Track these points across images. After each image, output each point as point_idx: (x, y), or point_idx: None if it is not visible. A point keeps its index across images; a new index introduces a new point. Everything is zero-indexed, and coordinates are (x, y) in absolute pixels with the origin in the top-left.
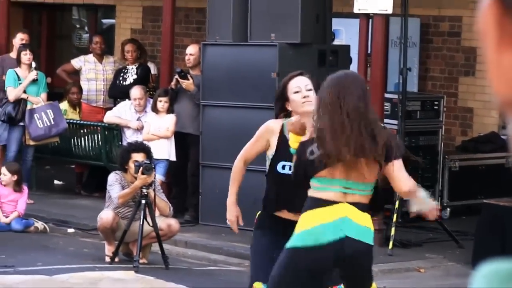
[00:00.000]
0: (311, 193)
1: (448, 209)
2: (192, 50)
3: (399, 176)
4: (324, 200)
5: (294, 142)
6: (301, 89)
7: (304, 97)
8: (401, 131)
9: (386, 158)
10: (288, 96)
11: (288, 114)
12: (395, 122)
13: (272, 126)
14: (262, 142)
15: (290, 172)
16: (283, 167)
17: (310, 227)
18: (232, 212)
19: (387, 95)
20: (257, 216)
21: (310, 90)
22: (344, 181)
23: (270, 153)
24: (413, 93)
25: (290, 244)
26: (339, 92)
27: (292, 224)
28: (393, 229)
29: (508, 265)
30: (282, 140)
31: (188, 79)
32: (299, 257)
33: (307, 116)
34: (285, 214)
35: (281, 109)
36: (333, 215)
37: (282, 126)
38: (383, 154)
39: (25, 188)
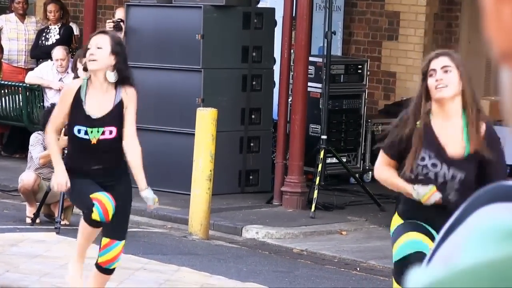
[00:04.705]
0: None
1: (370, 172)
2: (121, 14)
3: None
4: None
5: None
6: (91, 47)
7: (90, 54)
8: (325, 95)
9: None
10: None
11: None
12: (319, 85)
13: (71, 87)
14: (66, 104)
15: (86, 137)
16: (79, 131)
17: None
18: (64, 176)
19: (311, 59)
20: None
21: (99, 48)
22: None
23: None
24: (337, 57)
25: None
26: None
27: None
28: (315, 192)
29: (506, 222)
30: (76, 102)
31: (121, 31)
32: None
33: (92, 73)
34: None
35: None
36: None
37: (80, 86)
38: None
39: None
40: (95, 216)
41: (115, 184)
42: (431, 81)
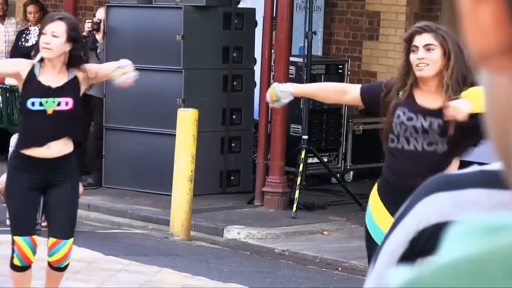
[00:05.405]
0: None
1: (352, 172)
2: (102, 14)
3: None
4: None
5: None
6: (46, 33)
7: (45, 42)
8: None
9: None
10: None
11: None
12: None
13: (26, 61)
14: (17, 64)
15: (41, 108)
16: (33, 103)
17: None
18: None
19: (292, 59)
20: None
21: (55, 36)
22: None
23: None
24: (317, 57)
25: None
26: None
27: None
28: (297, 192)
29: (482, 221)
30: (29, 77)
31: (99, 32)
32: None
33: (47, 61)
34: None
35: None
36: None
37: (33, 65)
38: None
39: None
40: (16, 262)
41: (63, 181)
42: (412, 58)
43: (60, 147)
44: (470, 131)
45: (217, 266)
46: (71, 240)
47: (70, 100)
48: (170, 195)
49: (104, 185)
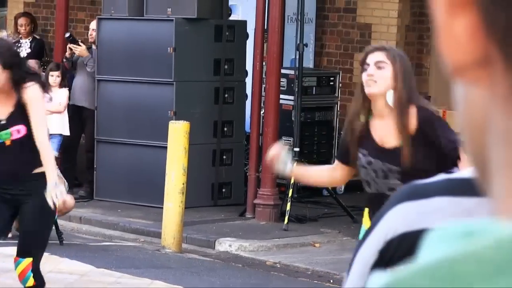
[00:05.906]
0: None
1: (343, 184)
2: (95, 25)
3: None
4: None
5: None
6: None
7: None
8: (297, 107)
9: None
10: None
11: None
12: (291, 97)
13: None
14: None
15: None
16: None
17: None
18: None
19: (283, 71)
20: None
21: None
22: None
23: None
24: (309, 69)
25: None
26: None
27: None
28: (288, 204)
29: (459, 226)
30: None
31: (79, 45)
32: None
33: None
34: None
35: None
36: None
37: None
38: None
39: None
40: None
41: (26, 199)
42: (363, 76)
43: (26, 169)
44: (429, 155)
45: (209, 278)
46: (27, 260)
47: (21, 127)
48: (162, 208)
49: (96, 197)
